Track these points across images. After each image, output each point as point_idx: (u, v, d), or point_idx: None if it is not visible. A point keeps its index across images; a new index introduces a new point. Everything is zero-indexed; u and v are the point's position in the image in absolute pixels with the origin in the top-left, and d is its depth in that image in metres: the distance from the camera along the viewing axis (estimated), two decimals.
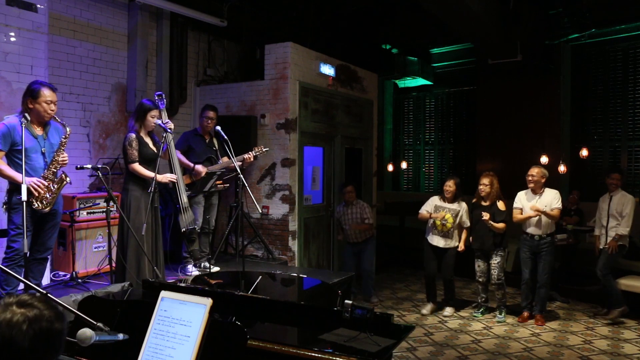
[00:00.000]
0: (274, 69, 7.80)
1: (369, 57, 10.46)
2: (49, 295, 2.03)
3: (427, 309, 7.36)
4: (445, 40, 11.20)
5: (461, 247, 7.11)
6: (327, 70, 8.54)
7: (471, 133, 11.40)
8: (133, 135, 5.14)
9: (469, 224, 7.11)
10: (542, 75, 9.97)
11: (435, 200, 7.26)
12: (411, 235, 8.22)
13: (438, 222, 7.07)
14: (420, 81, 12.07)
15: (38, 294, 1.62)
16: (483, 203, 6.95)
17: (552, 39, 9.71)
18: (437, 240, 7.15)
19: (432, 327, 6.74)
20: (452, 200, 7.13)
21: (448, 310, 7.26)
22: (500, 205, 6.88)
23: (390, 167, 11.99)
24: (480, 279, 7.07)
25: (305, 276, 4.64)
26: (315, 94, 8.28)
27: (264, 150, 6.48)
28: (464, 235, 7.13)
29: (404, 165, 12.37)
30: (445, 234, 7.09)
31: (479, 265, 7.04)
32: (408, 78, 11.92)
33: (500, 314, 6.99)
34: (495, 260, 6.88)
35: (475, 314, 7.16)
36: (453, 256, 7.18)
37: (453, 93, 12.16)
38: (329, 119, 8.67)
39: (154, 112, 5.22)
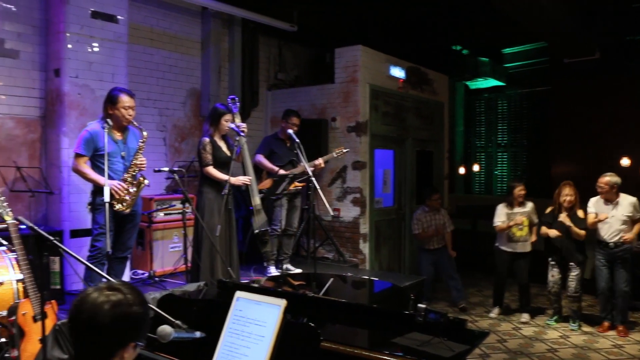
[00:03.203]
0: (344, 72, 7.81)
1: (439, 58, 10.31)
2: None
3: (495, 312, 7.22)
4: (517, 39, 10.88)
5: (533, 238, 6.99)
6: (397, 72, 8.48)
7: (545, 135, 11.01)
8: (207, 140, 5.26)
9: (537, 220, 6.96)
10: (623, 74, 9.51)
11: (503, 209, 7.05)
12: (483, 239, 8.02)
13: (515, 230, 6.92)
14: (492, 82, 11.78)
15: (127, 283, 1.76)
16: (564, 213, 6.64)
17: (634, 34, 9.23)
18: (515, 246, 6.98)
19: (506, 333, 6.53)
20: (521, 204, 6.95)
21: (525, 317, 7.01)
22: (580, 213, 6.59)
23: (461, 170, 11.76)
24: (553, 290, 6.78)
25: (376, 279, 4.60)
26: (386, 96, 8.23)
27: (344, 151, 6.51)
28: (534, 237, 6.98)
29: (475, 168, 12.11)
30: (524, 238, 6.95)
31: (553, 275, 6.74)
32: (479, 79, 11.65)
33: (573, 322, 6.66)
34: (574, 273, 6.57)
35: (548, 322, 6.87)
36: (529, 259, 7.00)
37: (526, 94, 11.79)
38: (399, 121, 8.60)
39: (228, 116, 5.32)
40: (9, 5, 5.57)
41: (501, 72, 11.65)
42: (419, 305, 2.58)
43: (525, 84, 11.62)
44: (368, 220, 7.86)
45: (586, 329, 6.63)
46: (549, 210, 6.75)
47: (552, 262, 6.76)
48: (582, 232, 6.45)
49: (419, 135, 9.15)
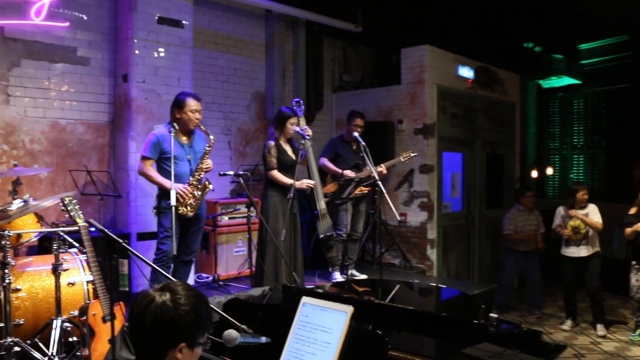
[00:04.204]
0: (410, 73, 7.75)
1: (509, 57, 10.06)
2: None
3: (567, 324, 6.96)
4: (595, 34, 10.46)
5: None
6: (466, 72, 8.36)
7: (627, 136, 10.53)
8: (272, 143, 5.31)
9: (601, 223, 6.63)
10: None
11: (561, 211, 6.90)
12: (558, 246, 7.71)
13: (571, 232, 6.71)
14: (567, 80, 11.38)
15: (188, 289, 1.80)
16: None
17: None
18: (576, 251, 6.75)
19: (583, 348, 6.26)
20: (581, 207, 6.71)
21: (600, 329, 6.70)
22: None
23: (534, 174, 11.41)
24: (637, 295, 6.46)
25: (444, 286, 4.52)
26: (454, 97, 8.12)
27: (411, 155, 6.45)
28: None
29: (549, 171, 11.73)
30: (583, 242, 6.68)
31: (638, 279, 6.44)
32: (553, 78, 11.28)
33: None
34: None
35: (632, 337, 6.51)
36: (597, 264, 6.71)
37: (605, 92, 11.31)
38: (468, 123, 8.47)
39: (293, 120, 5.35)
40: (81, 15, 5.83)
41: (577, 69, 11.24)
42: (491, 314, 2.51)
43: (604, 81, 11.15)
44: (436, 226, 7.76)
45: None
46: (633, 211, 6.44)
47: (637, 266, 6.44)
48: None
49: (489, 137, 8.98)
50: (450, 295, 4.29)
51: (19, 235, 4.16)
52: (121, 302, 3.81)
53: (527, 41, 10.66)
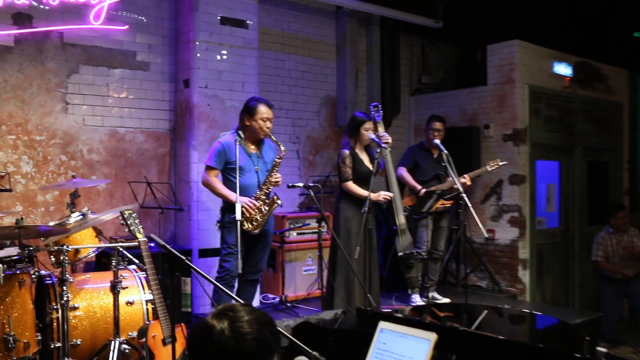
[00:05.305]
0: (498, 72, 7.65)
1: (615, 49, 9.76)
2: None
3: None
4: None
5: None
6: (563, 69, 8.19)
7: None
8: (347, 152, 5.33)
9: None
10: None
11: None
12: None
13: None
14: None
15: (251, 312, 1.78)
16: None
17: None
18: None
19: None
20: None
21: None
22: None
23: None
24: None
25: (539, 313, 4.42)
26: (549, 98, 7.96)
27: (500, 164, 6.32)
28: None
29: None
30: None
31: None
32: None
33: None
34: None
35: None
36: None
37: None
38: (565, 127, 8.28)
39: (368, 125, 5.34)
40: (140, 17, 6.06)
41: None
42: (598, 348, 2.44)
43: None
44: (528, 244, 7.59)
45: None
46: None
47: None
48: None
49: (591, 143, 8.75)
50: (547, 324, 4.21)
51: (77, 251, 4.33)
52: (182, 324, 3.87)
53: (636, 30, 10.31)
